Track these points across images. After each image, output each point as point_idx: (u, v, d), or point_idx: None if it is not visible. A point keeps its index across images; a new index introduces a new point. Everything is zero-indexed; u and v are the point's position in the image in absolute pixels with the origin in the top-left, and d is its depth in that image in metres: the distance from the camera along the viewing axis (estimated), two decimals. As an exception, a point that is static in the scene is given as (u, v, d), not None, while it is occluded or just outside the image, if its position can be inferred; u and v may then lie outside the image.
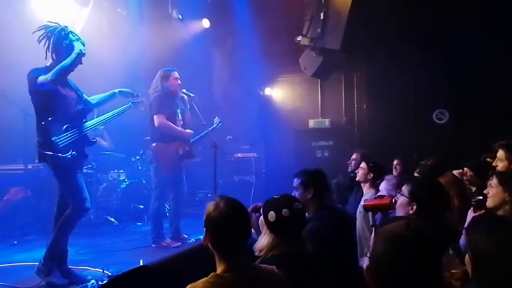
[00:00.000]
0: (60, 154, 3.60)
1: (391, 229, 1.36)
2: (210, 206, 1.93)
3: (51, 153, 3.59)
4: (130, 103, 4.45)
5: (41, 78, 3.57)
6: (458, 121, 8.02)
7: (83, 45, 3.82)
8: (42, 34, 3.71)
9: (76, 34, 3.82)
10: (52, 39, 3.71)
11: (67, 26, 3.80)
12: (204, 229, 1.92)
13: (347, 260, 3.02)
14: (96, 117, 4.23)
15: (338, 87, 9.05)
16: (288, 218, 2.26)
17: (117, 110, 4.33)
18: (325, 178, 3.25)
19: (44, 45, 3.71)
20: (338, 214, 3.26)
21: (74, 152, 3.67)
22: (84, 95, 4.10)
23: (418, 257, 1.28)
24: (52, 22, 3.78)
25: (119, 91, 4.40)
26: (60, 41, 3.72)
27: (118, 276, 3.18)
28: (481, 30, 7.38)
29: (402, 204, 2.64)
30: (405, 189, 2.67)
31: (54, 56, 3.73)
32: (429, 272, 1.28)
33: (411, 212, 2.56)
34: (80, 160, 3.87)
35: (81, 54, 3.69)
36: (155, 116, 5.01)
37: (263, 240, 2.32)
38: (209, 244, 1.91)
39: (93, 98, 4.20)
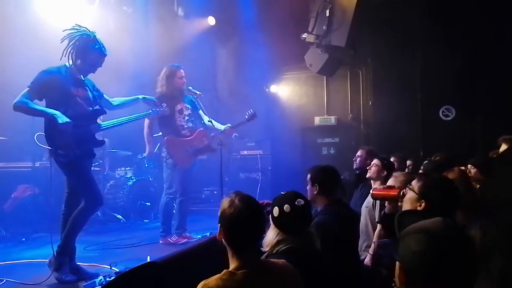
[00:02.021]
0: (60, 151, 3.65)
1: (427, 228, 1.30)
2: (225, 202, 1.94)
3: (49, 148, 3.66)
4: (150, 110, 4.50)
5: (22, 93, 3.59)
6: (465, 117, 7.99)
7: (105, 54, 3.85)
8: (67, 35, 3.73)
9: (99, 42, 3.82)
10: (74, 42, 3.74)
11: (94, 32, 3.81)
12: (219, 224, 1.93)
13: (350, 254, 3.04)
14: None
15: (344, 84, 9.05)
16: (289, 214, 2.30)
17: (136, 115, 4.37)
18: (333, 174, 3.23)
19: (67, 46, 3.73)
20: (346, 210, 3.27)
21: (77, 149, 3.70)
22: (104, 95, 4.17)
23: (462, 255, 1.24)
24: (81, 26, 3.80)
25: (143, 97, 4.47)
26: (82, 45, 3.75)
27: (126, 272, 3.19)
28: (487, 26, 7.34)
29: (410, 199, 2.62)
30: (415, 184, 2.65)
31: (74, 59, 3.76)
32: (470, 270, 1.25)
33: (419, 208, 2.55)
34: (87, 159, 3.91)
35: (54, 119, 3.59)
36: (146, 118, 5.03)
37: (269, 235, 2.35)
38: (223, 239, 1.92)
39: (114, 100, 4.28)
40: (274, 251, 2.26)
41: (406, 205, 2.62)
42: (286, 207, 2.30)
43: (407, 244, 1.30)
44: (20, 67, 4.79)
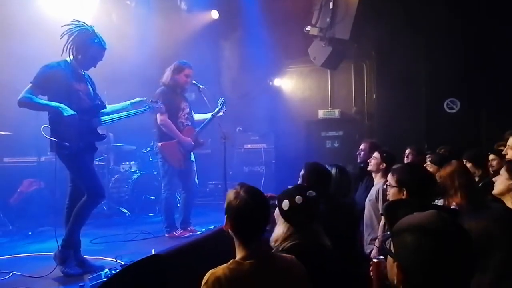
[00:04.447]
0: (63, 144, 3.66)
1: (422, 223, 1.24)
2: (230, 194, 1.97)
3: (52, 139, 3.67)
4: (147, 107, 4.50)
5: (26, 89, 3.61)
6: (469, 110, 7.95)
7: (104, 48, 3.86)
8: (66, 31, 3.74)
9: (98, 36, 3.83)
10: (73, 37, 3.74)
11: (92, 26, 3.82)
12: (225, 215, 1.96)
13: (342, 250, 3.04)
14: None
15: (348, 77, 9.02)
16: (301, 205, 2.31)
17: (134, 111, 4.36)
18: (318, 173, 3.34)
19: (67, 42, 3.74)
20: (334, 206, 3.28)
21: (79, 143, 3.72)
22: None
23: (460, 250, 1.20)
24: (79, 21, 3.80)
25: (130, 103, 4.37)
26: (81, 40, 3.75)
27: (131, 265, 3.22)
28: (492, 18, 7.28)
29: (393, 194, 2.73)
30: (391, 179, 2.77)
31: (75, 54, 3.77)
32: (469, 264, 1.21)
33: (403, 198, 2.62)
34: (89, 152, 3.93)
35: (59, 112, 3.59)
36: (158, 114, 5.01)
37: (278, 230, 2.36)
38: (229, 230, 1.95)
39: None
40: (280, 248, 2.26)
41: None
42: (298, 198, 2.32)
43: (402, 241, 1.26)
44: (23, 62, 4.80)
